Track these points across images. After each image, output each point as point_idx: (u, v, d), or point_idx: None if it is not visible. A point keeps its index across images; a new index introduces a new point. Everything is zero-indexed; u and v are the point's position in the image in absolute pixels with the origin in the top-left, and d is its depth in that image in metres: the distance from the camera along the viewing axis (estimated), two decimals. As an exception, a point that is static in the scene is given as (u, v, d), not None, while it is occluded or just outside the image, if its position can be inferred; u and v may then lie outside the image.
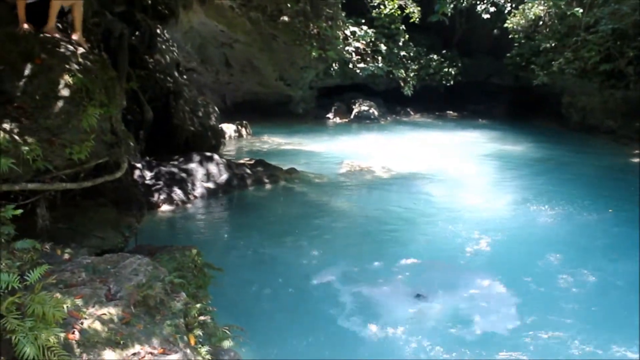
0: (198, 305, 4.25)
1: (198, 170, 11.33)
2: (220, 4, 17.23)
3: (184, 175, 11.00)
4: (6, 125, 4.92)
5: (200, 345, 3.82)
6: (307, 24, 19.82)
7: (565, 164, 15.74)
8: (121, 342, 3.25)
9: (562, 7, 19.73)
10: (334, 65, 23.14)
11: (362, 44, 24.35)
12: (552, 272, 7.50)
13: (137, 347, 3.28)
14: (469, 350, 5.54)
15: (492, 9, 24.30)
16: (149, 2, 10.75)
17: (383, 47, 24.93)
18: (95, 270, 4.04)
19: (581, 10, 18.82)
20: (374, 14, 24.51)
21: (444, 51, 27.60)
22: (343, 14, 22.58)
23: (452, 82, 27.08)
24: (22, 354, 2.71)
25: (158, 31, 11.88)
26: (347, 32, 23.64)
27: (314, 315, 6.27)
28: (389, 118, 26.21)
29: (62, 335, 2.96)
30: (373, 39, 24.66)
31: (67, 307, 3.15)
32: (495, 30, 25.50)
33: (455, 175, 13.61)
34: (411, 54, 26.36)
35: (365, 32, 24.29)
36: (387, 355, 5.49)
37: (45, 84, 5.48)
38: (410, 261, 7.80)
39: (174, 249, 5.60)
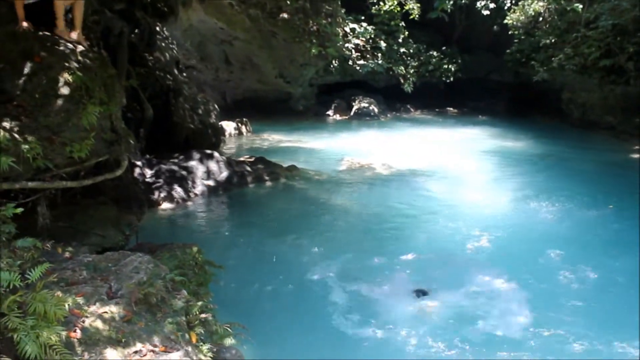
0: (199, 303, 4.25)
1: (198, 168, 11.33)
2: (219, 1, 17.21)
3: (184, 173, 11.00)
4: (6, 124, 4.91)
5: (201, 343, 3.83)
6: (307, 21, 19.79)
7: (565, 160, 15.74)
8: (123, 340, 3.25)
9: (562, 3, 19.70)
10: (333, 62, 23.10)
11: (362, 40, 24.30)
12: (553, 269, 7.51)
13: (138, 345, 3.28)
14: (469, 347, 5.54)
15: (492, 5, 24.24)
16: (148, -1, 10.73)
17: (383, 44, 24.89)
18: (96, 268, 4.05)
19: (581, 6, 18.80)
20: (373, 11, 24.47)
21: (443, 48, 27.54)
22: (342, 11, 22.53)
23: (452, 79, 27.03)
24: (24, 352, 2.71)
25: (157, 29, 11.87)
26: (347, 29, 23.58)
27: (315, 313, 6.28)
28: (389, 115, 26.18)
29: (64, 333, 2.96)
30: (373, 36, 24.61)
31: (69, 305, 3.15)
32: (495, 27, 25.44)
33: (456, 172, 13.61)
34: (411, 51, 26.31)
35: (365, 29, 24.23)
36: (388, 354, 5.49)
37: (45, 82, 5.48)
38: (411, 258, 7.81)
39: (175, 247, 5.60)
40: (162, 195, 10.19)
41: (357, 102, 25.49)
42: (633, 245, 8.26)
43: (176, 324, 3.71)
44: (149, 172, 10.59)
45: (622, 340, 5.64)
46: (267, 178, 12.11)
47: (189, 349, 3.52)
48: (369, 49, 24.60)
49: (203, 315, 4.18)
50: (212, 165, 11.59)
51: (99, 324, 3.28)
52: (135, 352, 3.22)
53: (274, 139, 18.77)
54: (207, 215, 10.05)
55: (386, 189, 12.00)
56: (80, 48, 6.12)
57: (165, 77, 12.10)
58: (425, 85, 26.96)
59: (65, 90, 5.54)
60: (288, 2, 18.93)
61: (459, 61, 27.25)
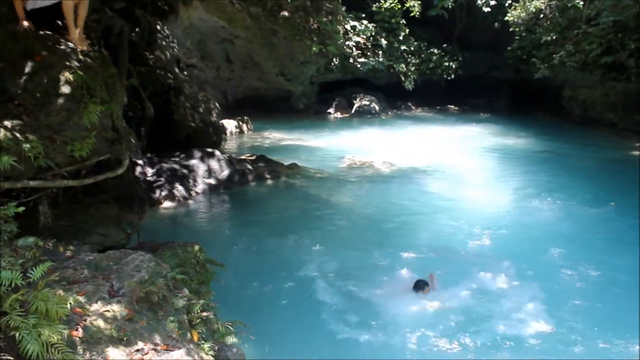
0: (200, 302, 4.26)
1: (199, 167, 11.34)
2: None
3: (185, 171, 11.01)
4: (7, 123, 4.92)
5: (203, 342, 3.83)
6: (307, 18, 19.77)
7: (566, 157, 15.73)
8: (124, 338, 3.26)
9: (563, -1, 19.67)
10: (334, 60, 23.10)
11: (363, 38, 24.29)
12: (555, 267, 7.50)
13: (140, 344, 3.29)
14: (470, 345, 5.55)
15: (493, 2, 24.18)
16: (149, -2, 10.72)
17: (383, 42, 24.86)
18: (97, 267, 4.05)
19: (582, 3, 18.73)
20: (374, 8, 24.46)
21: (444, 45, 27.53)
22: (343, 9, 22.50)
23: (452, 76, 27.02)
24: (25, 351, 2.72)
25: (158, 27, 11.86)
26: (348, 27, 23.57)
27: (316, 311, 6.28)
28: (389, 113, 26.16)
29: (66, 332, 2.97)
30: (373, 34, 24.60)
31: (70, 304, 3.16)
32: (495, 24, 25.38)
33: (457, 170, 13.60)
34: (412, 48, 26.29)
35: (366, 26, 24.22)
36: (388, 354, 5.49)
37: (46, 82, 5.48)
38: (413, 256, 7.82)
39: (176, 245, 5.60)
40: (163, 193, 10.20)
41: (357, 100, 25.49)
42: (635, 243, 8.24)
43: (178, 323, 3.71)
44: (150, 171, 10.60)
45: (624, 340, 5.63)
46: (268, 176, 12.11)
47: (191, 347, 3.52)
48: (369, 46, 24.58)
49: (204, 314, 4.19)
50: (213, 164, 11.59)
51: (100, 322, 3.28)
52: (137, 350, 3.23)
53: (275, 137, 18.77)
54: (209, 214, 10.06)
55: (387, 187, 12.00)
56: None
57: (166, 75, 12.10)
58: (426, 82, 26.95)
59: (66, 89, 5.54)
60: (288, 0, 18.92)
61: (460, 58, 27.23)
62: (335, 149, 16.18)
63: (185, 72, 14.12)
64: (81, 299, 3.42)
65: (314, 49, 19.91)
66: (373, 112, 25.01)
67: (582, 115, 21.67)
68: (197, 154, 11.65)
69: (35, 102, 5.33)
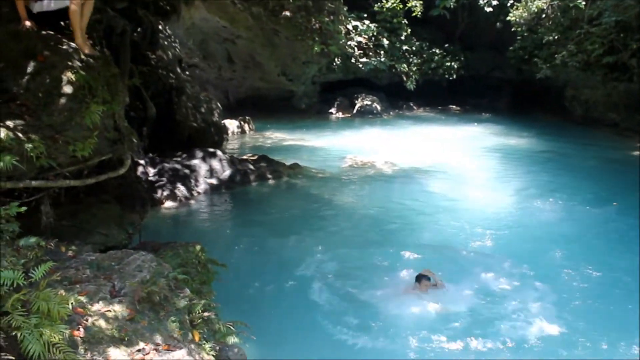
0: (202, 302, 4.26)
1: (201, 167, 11.35)
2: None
3: (187, 171, 11.02)
4: (9, 123, 4.92)
5: (204, 342, 3.83)
6: (309, 18, 19.77)
7: (568, 157, 15.72)
8: (126, 338, 3.26)
9: (565, -1, 19.65)
10: (336, 60, 23.09)
11: (364, 38, 24.29)
12: (557, 267, 7.50)
13: (141, 344, 3.29)
14: (471, 345, 5.54)
15: (495, 2, 24.18)
16: (151, -2, 10.73)
17: (385, 42, 24.87)
18: (99, 267, 4.06)
19: (584, 3, 18.72)
20: (376, 8, 24.46)
21: (446, 45, 27.51)
22: (345, 9, 22.52)
23: (454, 76, 27.01)
24: (27, 350, 2.72)
25: (160, 27, 11.86)
26: (349, 27, 23.58)
27: (318, 311, 6.28)
28: (391, 113, 26.15)
29: (67, 332, 2.97)
30: (375, 34, 24.60)
31: (72, 303, 3.16)
32: (497, 24, 25.37)
33: (458, 170, 13.60)
34: (413, 48, 26.28)
35: (368, 26, 24.22)
36: (388, 353, 5.48)
37: (48, 82, 5.47)
38: (415, 256, 7.81)
39: (178, 245, 5.61)
40: (165, 193, 10.21)
41: (359, 100, 25.49)
42: (636, 243, 8.22)
43: (179, 323, 3.72)
44: (152, 171, 10.61)
45: (626, 340, 5.62)
46: (269, 176, 12.12)
47: (192, 347, 3.52)
48: (371, 46, 24.58)
49: (206, 314, 4.19)
50: (215, 164, 11.60)
51: (102, 322, 3.29)
52: (139, 350, 3.23)
53: (277, 137, 18.77)
54: (210, 214, 10.07)
55: (389, 187, 12.00)
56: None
57: (167, 75, 12.11)
58: (427, 82, 26.94)
59: (68, 89, 5.54)
60: (290, 0, 18.92)
61: (462, 58, 27.22)
62: (337, 149, 16.17)
63: (187, 72, 14.13)
64: (83, 298, 3.42)
65: (316, 49, 19.92)
66: (375, 112, 25.00)
67: (584, 116, 21.65)
68: (199, 154, 11.66)
69: (37, 102, 5.33)
